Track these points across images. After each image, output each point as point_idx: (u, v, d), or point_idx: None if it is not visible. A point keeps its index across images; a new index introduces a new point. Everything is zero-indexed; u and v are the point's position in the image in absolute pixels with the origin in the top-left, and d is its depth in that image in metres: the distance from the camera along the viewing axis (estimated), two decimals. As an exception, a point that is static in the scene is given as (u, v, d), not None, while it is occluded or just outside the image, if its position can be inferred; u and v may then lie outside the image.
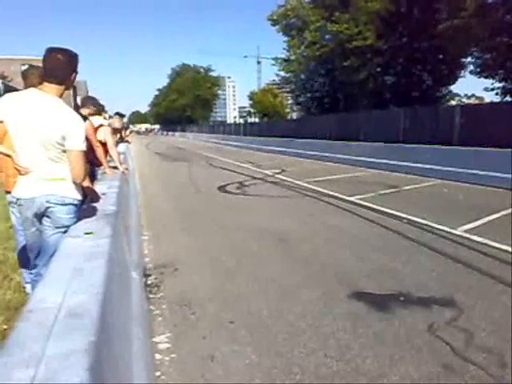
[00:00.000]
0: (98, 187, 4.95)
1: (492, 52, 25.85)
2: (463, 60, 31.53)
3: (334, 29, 34.26)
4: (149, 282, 5.01)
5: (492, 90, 27.92)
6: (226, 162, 21.90)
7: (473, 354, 3.37)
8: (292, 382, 3.07)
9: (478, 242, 6.46)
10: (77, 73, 3.26)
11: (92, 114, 6.55)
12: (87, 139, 5.97)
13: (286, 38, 44.38)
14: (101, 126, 6.77)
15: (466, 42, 25.43)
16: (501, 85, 27.36)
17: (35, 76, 3.66)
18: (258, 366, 3.27)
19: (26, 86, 3.53)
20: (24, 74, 3.90)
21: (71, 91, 39.74)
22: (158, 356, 3.42)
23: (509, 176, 11.51)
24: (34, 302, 1.84)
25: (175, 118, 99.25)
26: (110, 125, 7.35)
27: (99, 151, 6.23)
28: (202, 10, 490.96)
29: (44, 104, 3.04)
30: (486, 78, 27.85)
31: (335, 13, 34.46)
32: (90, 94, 69.10)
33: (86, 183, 3.60)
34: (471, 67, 30.26)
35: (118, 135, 9.49)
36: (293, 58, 43.01)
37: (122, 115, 8.36)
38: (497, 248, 6.12)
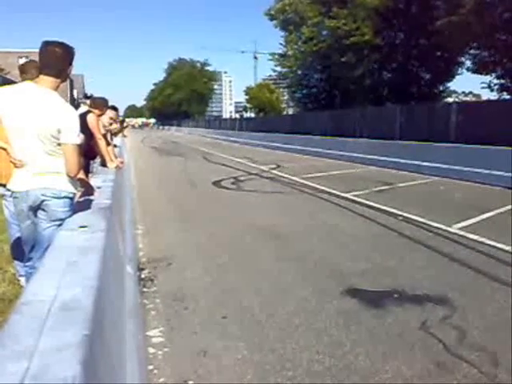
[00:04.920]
0: (93, 181, 4.93)
1: (490, 49, 25.86)
2: (460, 57, 31.55)
3: (331, 24, 34.31)
4: (143, 276, 5.00)
5: (489, 86, 27.96)
6: (221, 157, 21.88)
7: (465, 352, 3.38)
8: (284, 377, 3.08)
9: (473, 239, 6.48)
10: (72, 66, 3.24)
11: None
12: (90, 132, 5.93)
13: (283, 34, 44.44)
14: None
15: (464, 39, 25.40)
16: (498, 82, 27.39)
17: (36, 70, 3.63)
18: (251, 362, 3.28)
19: (24, 80, 3.50)
20: (22, 68, 3.86)
21: (68, 84, 39.52)
22: (151, 350, 3.42)
23: (505, 174, 11.54)
24: (28, 294, 1.83)
25: (171, 113, 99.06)
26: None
27: (101, 144, 6.12)
28: (199, 4, 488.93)
29: (40, 97, 3.02)
30: (482, 75, 27.87)
31: (333, 8, 34.48)
32: (86, 87, 68.81)
33: (81, 177, 3.58)
34: (468, 64, 30.36)
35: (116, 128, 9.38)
36: (290, 53, 42.99)
37: (115, 108, 8.29)
38: (492, 246, 6.14)
